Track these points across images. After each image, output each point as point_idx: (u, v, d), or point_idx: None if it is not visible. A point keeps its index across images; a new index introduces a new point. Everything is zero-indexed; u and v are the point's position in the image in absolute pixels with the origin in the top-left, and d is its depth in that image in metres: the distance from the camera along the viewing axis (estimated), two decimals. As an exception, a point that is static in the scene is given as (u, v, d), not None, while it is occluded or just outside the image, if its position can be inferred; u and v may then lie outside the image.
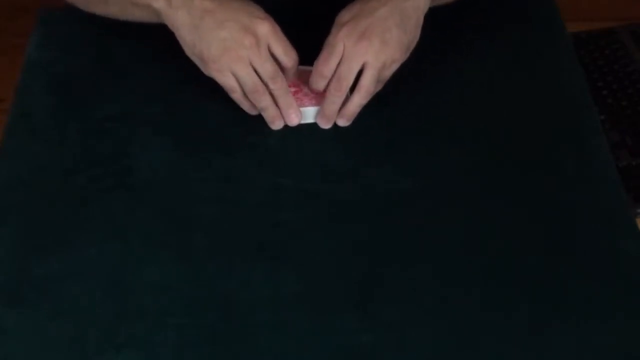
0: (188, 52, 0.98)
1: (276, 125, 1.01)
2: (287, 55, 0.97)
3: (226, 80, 0.96)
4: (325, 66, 0.96)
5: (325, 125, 1.01)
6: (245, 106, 1.00)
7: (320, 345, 0.83)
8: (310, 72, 0.99)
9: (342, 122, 1.00)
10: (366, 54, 0.95)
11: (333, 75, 0.97)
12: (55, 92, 1.06)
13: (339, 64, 0.96)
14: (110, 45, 1.09)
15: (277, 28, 0.96)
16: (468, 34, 1.11)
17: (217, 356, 0.83)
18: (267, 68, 0.96)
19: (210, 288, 0.88)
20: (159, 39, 1.10)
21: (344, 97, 0.98)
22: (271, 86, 0.97)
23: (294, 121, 1.01)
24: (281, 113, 1.00)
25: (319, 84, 0.98)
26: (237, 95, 0.98)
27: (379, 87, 0.99)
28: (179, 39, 0.97)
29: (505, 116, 1.02)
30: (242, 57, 0.94)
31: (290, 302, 0.86)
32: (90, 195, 0.95)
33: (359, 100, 0.98)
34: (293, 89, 1.01)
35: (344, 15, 0.97)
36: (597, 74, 1.44)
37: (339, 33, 0.95)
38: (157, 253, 0.90)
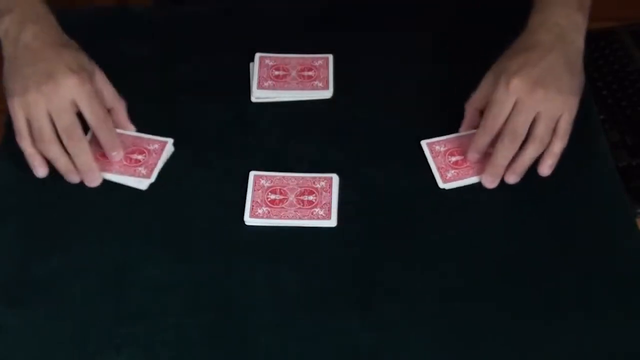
0: (3, 82, 0.94)
1: (71, 179, 0.94)
2: (92, 114, 0.92)
3: (17, 121, 0.92)
4: (496, 121, 0.91)
5: (492, 184, 0.93)
6: (31, 159, 0.94)
7: (320, 345, 0.83)
8: (150, 140, 0.97)
9: (513, 179, 0.93)
10: (542, 104, 0.90)
11: (502, 129, 0.92)
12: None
13: (510, 115, 0.91)
14: (109, 45, 1.09)
15: (86, 84, 0.92)
16: (468, 36, 1.11)
17: (217, 356, 0.83)
18: (62, 119, 0.91)
19: (210, 288, 0.88)
20: (158, 39, 1.11)
21: (516, 150, 0.92)
22: (65, 141, 0.92)
23: (92, 183, 0.94)
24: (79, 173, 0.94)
25: (483, 140, 0.93)
26: (23, 143, 0.93)
27: (565, 142, 0.92)
28: None
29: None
30: (37, 101, 0.91)
31: (291, 302, 0.86)
32: (90, 195, 0.95)
33: (533, 153, 0.92)
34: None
35: (509, 65, 0.92)
36: (597, 74, 1.44)
37: (510, 85, 0.90)
38: (157, 253, 0.90)
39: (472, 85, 1.05)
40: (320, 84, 1.04)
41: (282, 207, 0.93)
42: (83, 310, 0.86)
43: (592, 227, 0.91)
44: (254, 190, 0.94)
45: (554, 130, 0.92)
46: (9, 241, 0.92)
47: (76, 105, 0.92)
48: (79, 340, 0.84)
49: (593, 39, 1.48)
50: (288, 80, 1.04)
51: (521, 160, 0.92)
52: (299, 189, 0.94)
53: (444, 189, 0.94)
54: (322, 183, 0.95)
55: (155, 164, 0.96)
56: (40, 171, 0.94)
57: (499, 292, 0.87)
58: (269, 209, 0.92)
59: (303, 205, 0.93)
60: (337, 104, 1.04)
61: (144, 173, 0.96)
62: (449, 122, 1.00)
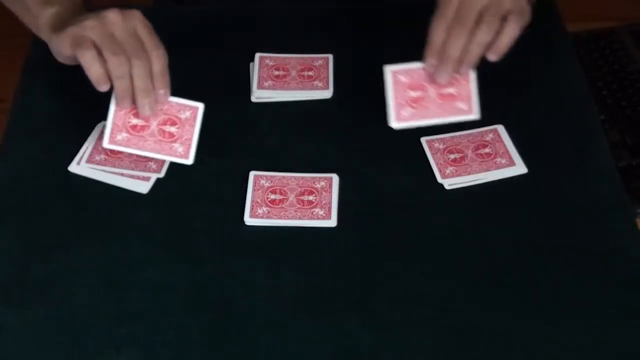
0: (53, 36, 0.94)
1: (124, 103, 0.92)
2: (153, 43, 0.91)
3: (82, 42, 0.89)
4: (445, 17, 0.92)
5: (442, 78, 0.93)
6: (94, 71, 0.90)
7: (320, 345, 0.83)
8: (180, 105, 0.94)
9: (464, 68, 0.93)
10: None
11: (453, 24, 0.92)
12: (55, 92, 1.06)
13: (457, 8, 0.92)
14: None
15: (147, 19, 0.92)
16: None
17: (217, 356, 0.83)
18: (131, 43, 0.90)
19: (210, 288, 0.88)
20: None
21: (468, 36, 0.91)
22: (133, 61, 0.89)
23: (145, 112, 0.92)
24: (135, 97, 0.92)
25: (436, 35, 0.93)
26: (90, 55, 0.89)
27: (514, 31, 0.92)
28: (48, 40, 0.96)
29: (505, 116, 1.01)
30: (105, 25, 0.90)
31: (290, 302, 0.86)
32: (90, 195, 0.95)
33: (480, 37, 0.92)
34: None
35: None
36: (597, 74, 1.44)
37: None
38: (157, 253, 0.90)
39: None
40: (320, 84, 1.04)
41: (282, 207, 0.93)
42: (83, 310, 0.86)
43: (592, 227, 0.92)
44: (254, 190, 0.94)
45: (505, 21, 0.92)
46: (9, 241, 0.92)
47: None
48: (79, 340, 0.84)
49: (593, 39, 1.48)
50: (288, 80, 1.04)
51: (470, 47, 0.92)
52: (299, 189, 0.94)
53: (443, 190, 0.94)
54: (322, 183, 0.95)
55: (191, 139, 0.93)
56: (103, 83, 0.91)
57: (498, 292, 0.87)
58: (269, 209, 0.92)
59: (303, 205, 0.93)
60: (337, 104, 1.04)
61: (181, 152, 0.93)
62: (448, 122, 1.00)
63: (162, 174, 0.96)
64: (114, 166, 0.96)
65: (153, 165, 0.96)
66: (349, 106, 1.04)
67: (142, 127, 0.93)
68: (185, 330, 0.84)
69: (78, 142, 0.99)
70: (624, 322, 0.84)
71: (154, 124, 0.93)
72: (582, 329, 0.84)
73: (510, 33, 0.92)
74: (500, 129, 0.99)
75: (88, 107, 1.03)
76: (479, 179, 0.95)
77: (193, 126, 0.94)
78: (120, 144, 0.92)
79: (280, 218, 0.92)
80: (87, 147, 0.98)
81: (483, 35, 0.92)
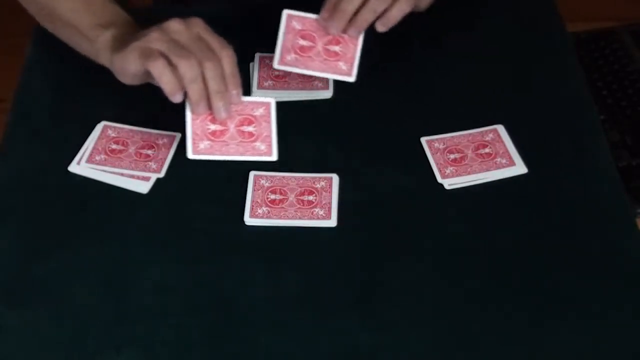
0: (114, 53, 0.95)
1: (199, 109, 0.91)
2: (219, 43, 0.90)
3: (147, 50, 0.89)
4: None
5: (334, 29, 0.96)
6: (166, 80, 0.88)
7: (320, 345, 0.83)
8: (253, 103, 0.93)
9: (353, 31, 0.96)
10: None
11: None
12: (55, 92, 1.06)
13: None
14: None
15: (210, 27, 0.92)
16: (468, 35, 1.11)
17: (217, 356, 0.83)
18: (198, 46, 0.89)
19: (210, 288, 0.88)
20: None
21: (361, 1, 0.94)
22: (205, 63, 0.88)
23: (221, 114, 0.91)
24: (210, 100, 0.90)
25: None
26: (161, 64, 0.88)
27: (407, 6, 0.95)
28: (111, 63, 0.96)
29: (505, 116, 1.01)
30: (169, 34, 0.90)
31: (290, 302, 0.86)
32: (90, 195, 0.95)
33: (373, 5, 0.94)
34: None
35: None
36: (597, 74, 1.44)
37: None
38: (157, 253, 0.90)
39: (471, 84, 1.05)
40: (320, 84, 1.04)
41: (282, 207, 0.93)
42: (83, 310, 0.86)
43: (592, 227, 0.91)
44: (254, 190, 0.94)
45: None
46: (9, 241, 0.92)
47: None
48: (79, 340, 0.84)
49: (593, 39, 1.48)
50: (288, 80, 1.04)
51: (362, 11, 0.94)
52: (299, 189, 0.94)
53: (443, 190, 0.94)
54: (322, 183, 0.95)
55: (270, 135, 0.92)
56: (177, 93, 0.89)
57: (498, 292, 0.87)
58: (269, 209, 0.92)
59: (303, 205, 0.93)
60: (337, 104, 1.04)
61: (264, 149, 0.92)
62: (448, 122, 1.00)
63: (162, 174, 0.96)
64: (114, 166, 0.96)
65: (153, 165, 0.96)
66: (349, 106, 1.04)
67: (222, 132, 0.92)
68: (185, 330, 0.84)
69: (78, 142, 0.99)
70: (623, 322, 0.84)
71: (231, 127, 0.92)
72: (582, 329, 0.84)
73: (402, 6, 0.95)
74: (500, 129, 0.99)
75: (88, 107, 1.04)
76: (479, 179, 0.95)
77: (269, 122, 0.93)
78: (204, 153, 0.92)
79: (280, 218, 0.92)
80: (87, 147, 0.98)
81: (376, 3, 0.94)
